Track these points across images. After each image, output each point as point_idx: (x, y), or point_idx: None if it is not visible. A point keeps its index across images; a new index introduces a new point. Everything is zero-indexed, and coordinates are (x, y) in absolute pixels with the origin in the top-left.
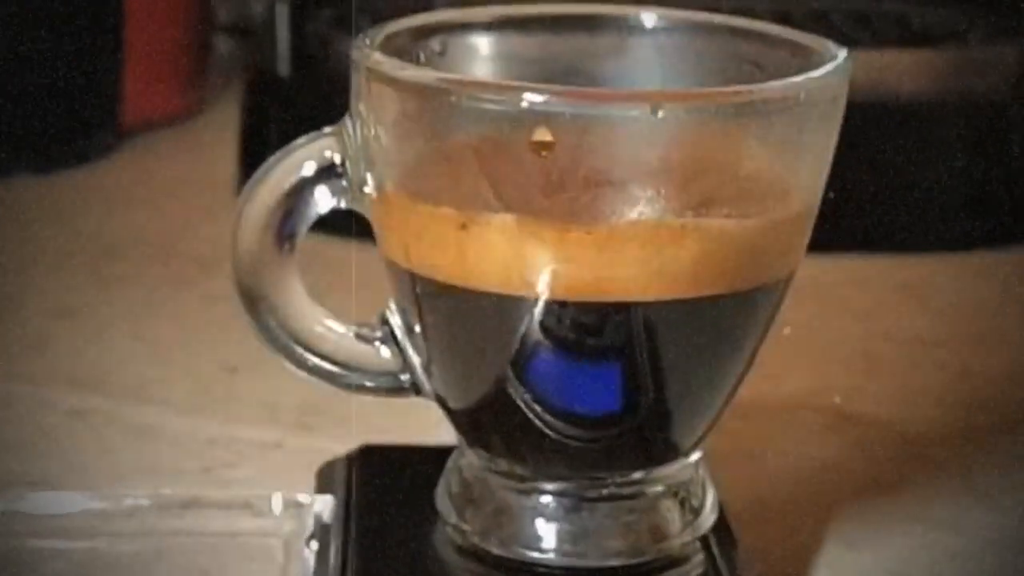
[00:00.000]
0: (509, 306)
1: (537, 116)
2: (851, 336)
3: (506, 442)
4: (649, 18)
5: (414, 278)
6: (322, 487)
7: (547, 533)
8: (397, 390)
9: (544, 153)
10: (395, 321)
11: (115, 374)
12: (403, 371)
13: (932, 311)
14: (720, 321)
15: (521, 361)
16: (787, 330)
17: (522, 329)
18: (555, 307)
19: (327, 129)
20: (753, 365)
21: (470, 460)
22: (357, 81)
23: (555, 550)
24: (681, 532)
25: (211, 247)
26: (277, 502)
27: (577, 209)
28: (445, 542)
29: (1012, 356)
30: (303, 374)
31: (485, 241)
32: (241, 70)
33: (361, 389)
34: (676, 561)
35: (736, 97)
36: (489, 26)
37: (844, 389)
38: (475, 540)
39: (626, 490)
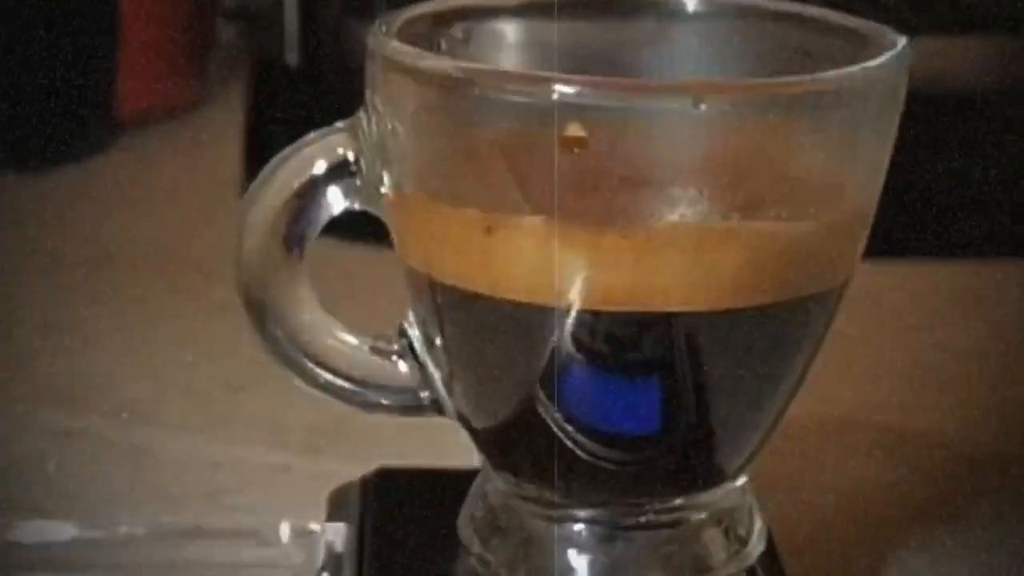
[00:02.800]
0: (538, 317)
1: (569, 110)
2: (906, 348)
3: (535, 465)
4: (691, 2)
5: (435, 286)
6: (334, 514)
7: (579, 565)
8: (416, 408)
9: (576, 150)
10: (414, 333)
11: (109, 392)
12: (423, 388)
13: (992, 321)
14: (768, 333)
15: (551, 377)
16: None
17: (552, 342)
18: (588, 318)
19: (340, 124)
20: (804, 381)
21: (495, 485)
22: (373, 71)
23: None
24: (726, 563)
25: (213, 253)
26: (285, 531)
27: (613, 211)
28: (468, 574)
29: None
30: (314, 391)
31: (512, 246)
32: (246, 59)
33: (377, 408)
34: None
35: (786, 89)
36: (516, 11)
37: (899, 405)
38: (501, 572)
39: (665, 518)
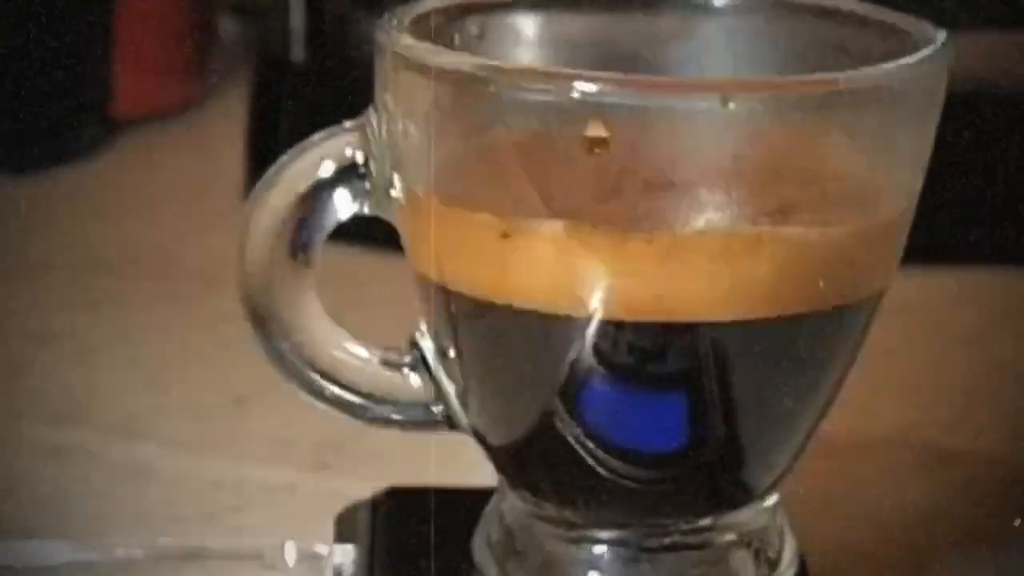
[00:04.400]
0: (557, 327)
1: (590, 108)
2: (950, 362)
3: (554, 484)
4: None
5: (448, 295)
6: (342, 535)
7: None
8: (429, 424)
9: (598, 151)
10: (426, 345)
11: (104, 406)
12: (435, 402)
13: None
14: (800, 345)
15: (571, 390)
16: None
17: (572, 354)
18: (610, 328)
19: (348, 124)
20: (838, 395)
21: (513, 504)
22: (383, 68)
23: None
24: None
25: (214, 260)
26: (291, 553)
27: (636, 216)
28: None
29: None
30: (321, 406)
31: (530, 252)
32: (248, 55)
33: (387, 423)
34: None
35: (819, 87)
36: (534, 5)
37: (943, 422)
38: None
39: (692, 539)
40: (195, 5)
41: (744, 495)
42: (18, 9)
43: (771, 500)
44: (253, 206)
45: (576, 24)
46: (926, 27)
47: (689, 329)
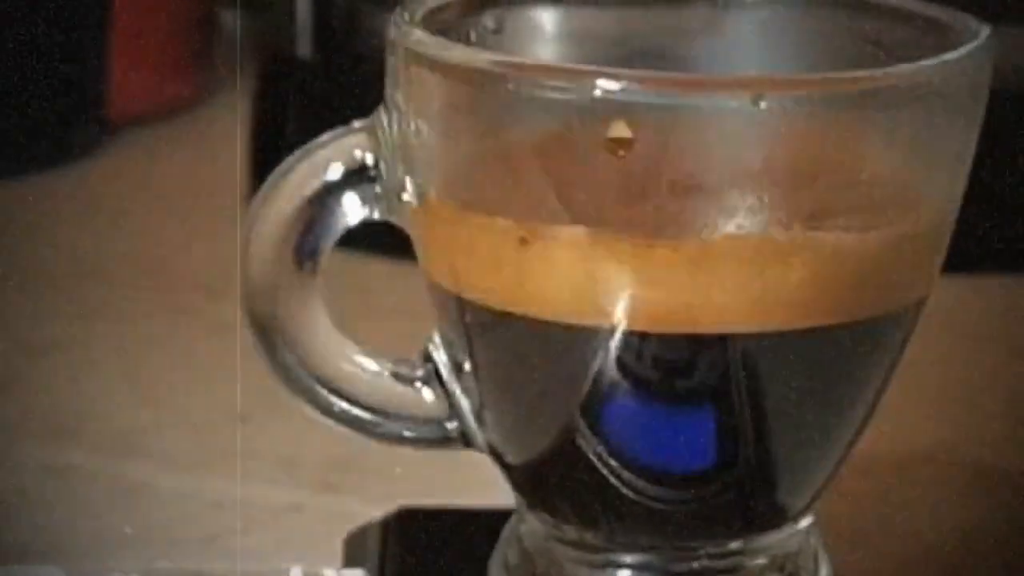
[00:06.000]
0: (579, 339)
1: (613, 108)
2: (998, 376)
3: (575, 504)
4: None
5: (463, 304)
6: (351, 559)
7: None
8: (442, 441)
9: (621, 153)
10: (440, 357)
11: (99, 422)
12: (450, 418)
13: None
14: (836, 357)
15: (594, 406)
16: None
17: (595, 367)
18: (635, 340)
19: (357, 123)
20: (876, 410)
21: (532, 526)
22: (394, 65)
23: None
24: None
25: (216, 267)
26: None
27: (662, 221)
28: None
29: None
30: (328, 422)
31: (550, 259)
32: (252, 51)
33: (399, 440)
34: None
35: (855, 84)
36: None
37: (990, 440)
38: None
39: (721, 563)
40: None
41: (776, 517)
42: (11, 13)
43: (805, 522)
44: (257, 211)
45: (599, 18)
46: (969, 21)
47: (718, 341)
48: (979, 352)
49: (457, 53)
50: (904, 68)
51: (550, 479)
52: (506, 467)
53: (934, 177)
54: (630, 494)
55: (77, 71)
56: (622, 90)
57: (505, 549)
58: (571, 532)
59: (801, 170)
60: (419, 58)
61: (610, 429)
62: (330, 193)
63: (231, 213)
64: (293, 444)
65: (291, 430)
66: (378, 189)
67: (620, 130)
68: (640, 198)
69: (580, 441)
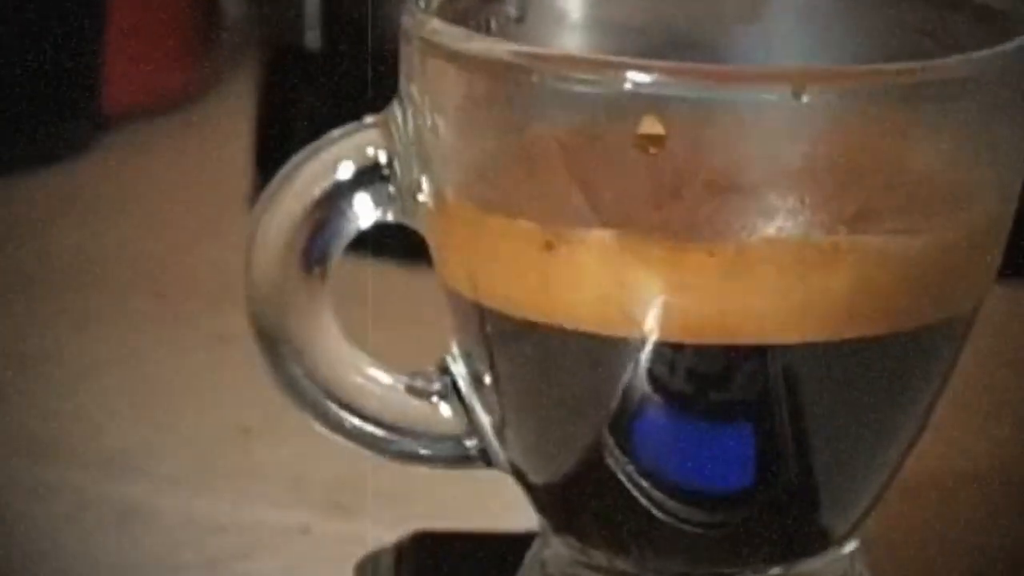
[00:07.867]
0: (607, 350)
1: (644, 102)
2: None
3: (604, 528)
4: None
5: (483, 313)
6: None
7: None
8: (461, 459)
9: (653, 150)
10: (458, 370)
11: (93, 439)
12: (469, 435)
13: None
14: (882, 369)
15: (623, 422)
16: None
17: (624, 380)
18: (667, 351)
19: (369, 119)
20: (926, 427)
21: (556, 551)
22: (409, 56)
23: None
24: None
25: (218, 272)
26: None
27: (696, 223)
28: None
29: None
30: (338, 438)
31: (576, 264)
32: (258, 42)
33: (414, 458)
34: None
35: (903, 77)
36: None
37: None
38: None
39: None
40: None
41: (819, 540)
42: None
43: (850, 546)
44: (262, 212)
45: (628, 5)
46: None
47: (756, 352)
48: None
49: (476, 44)
50: (956, 60)
51: (576, 501)
52: (529, 488)
53: (987, 176)
54: (662, 516)
55: (69, 61)
56: (653, 83)
57: (528, 575)
58: (599, 557)
59: (845, 169)
60: (436, 49)
61: (641, 446)
62: (340, 193)
63: (235, 215)
64: (300, 462)
65: (298, 447)
66: (392, 189)
67: (651, 126)
68: (673, 199)
69: (608, 459)
